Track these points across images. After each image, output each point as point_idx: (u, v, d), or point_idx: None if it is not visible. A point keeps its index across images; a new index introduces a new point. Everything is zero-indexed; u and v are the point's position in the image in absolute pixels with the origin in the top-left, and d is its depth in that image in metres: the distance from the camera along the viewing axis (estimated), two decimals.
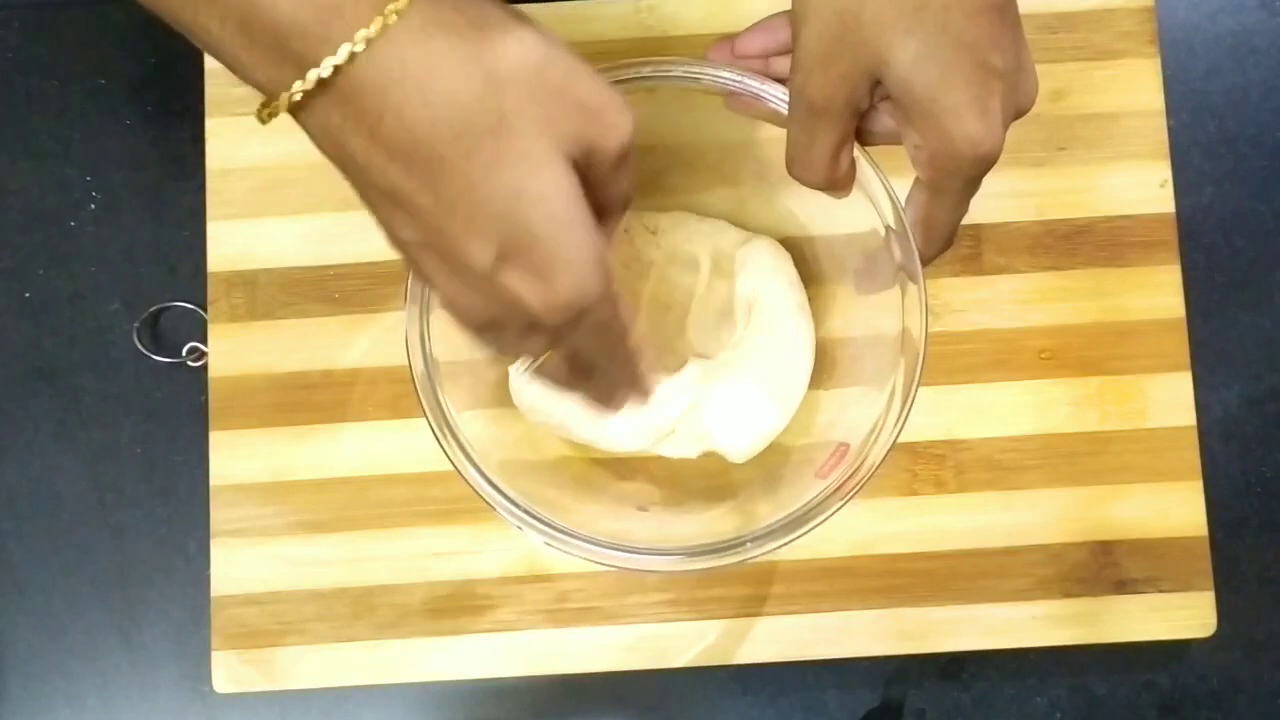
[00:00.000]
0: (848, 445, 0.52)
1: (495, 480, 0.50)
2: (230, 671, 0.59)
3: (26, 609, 0.62)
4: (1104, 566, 0.60)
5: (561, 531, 0.50)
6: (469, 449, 0.50)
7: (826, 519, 0.50)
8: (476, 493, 0.50)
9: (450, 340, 0.51)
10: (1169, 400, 0.60)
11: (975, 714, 0.61)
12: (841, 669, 0.60)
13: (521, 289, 0.38)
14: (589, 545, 0.50)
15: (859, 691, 0.61)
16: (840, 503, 0.50)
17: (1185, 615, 0.59)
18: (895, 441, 0.50)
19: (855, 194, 0.50)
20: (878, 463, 0.50)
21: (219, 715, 0.61)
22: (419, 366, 0.50)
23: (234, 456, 0.60)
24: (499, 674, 0.60)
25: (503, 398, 0.59)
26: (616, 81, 0.51)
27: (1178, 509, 0.60)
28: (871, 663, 0.60)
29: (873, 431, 0.51)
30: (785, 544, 0.50)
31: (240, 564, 0.60)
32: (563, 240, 0.38)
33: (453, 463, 0.50)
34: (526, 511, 0.50)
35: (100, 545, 0.62)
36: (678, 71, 0.51)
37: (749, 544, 0.50)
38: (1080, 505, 0.60)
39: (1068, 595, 0.59)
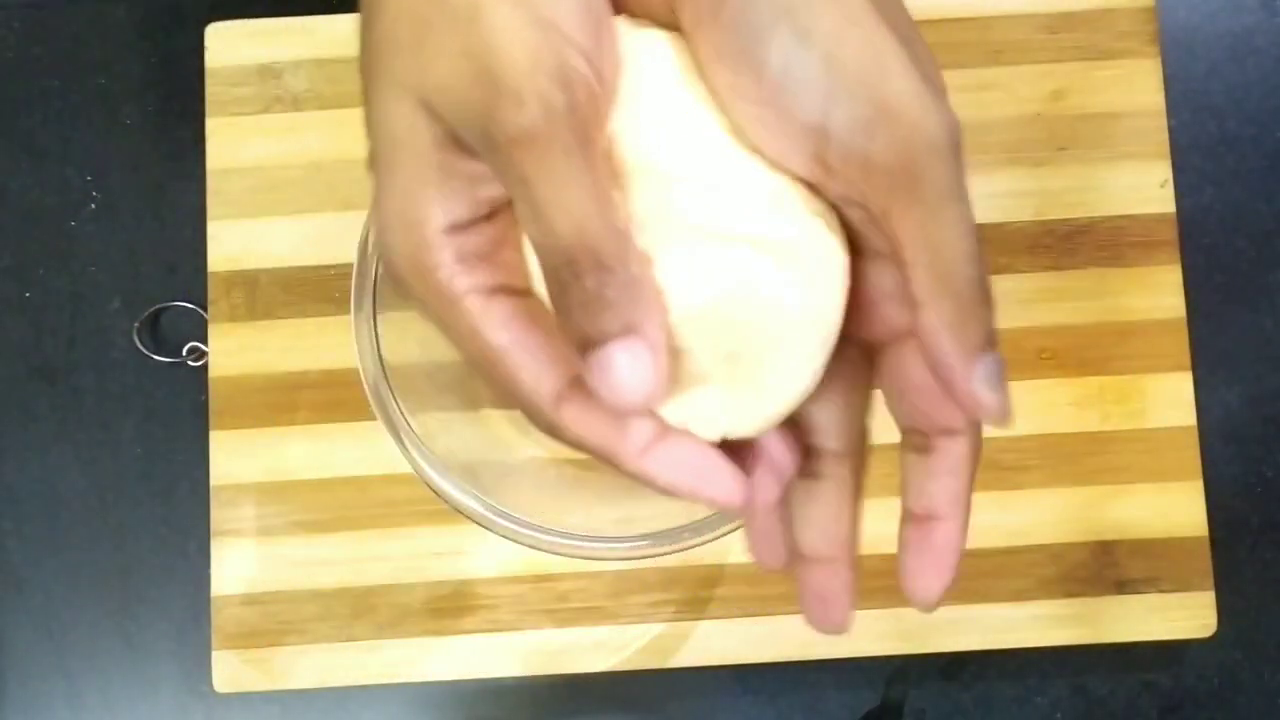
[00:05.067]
0: None
1: (446, 472, 0.51)
2: (230, 671, 0.59)
3: (26, 609, 0.62)
4: (1104, 566, 0.60)
5: (501, 516, 0.51)
6: (423, 447, 0.51)
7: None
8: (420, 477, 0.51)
9: (403, 344, 0.52)
10: (1169, 400, 0.60)
11: (975, 714, 0.61)
12: (841, 669, 0.60)
13: None
14: (521, 529, 0.51)
15: (859, 691, 0.61)
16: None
17: (1185, 615, 0.59)
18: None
19: None
20: None
21: (219, 715, 0.61)
22: (370, 370, 0.51)
23: (234, 456, 0.60)
24: (499, 674, 0.60)
25: (460, 401, 0.59)
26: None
27: (1178, 509, 0.60)
28: (871, 663, 0.60)
29: None
30: (721, 536, 0.50)
31: (240, 564, 0.60)
32: None
33: (410, 461, 0.51)
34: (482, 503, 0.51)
35: (100, 545, 0.62)
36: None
37: (686, 533, 0.51)
38: (1080, 505, 0.60)
39: (1068, 595, 0.59)
